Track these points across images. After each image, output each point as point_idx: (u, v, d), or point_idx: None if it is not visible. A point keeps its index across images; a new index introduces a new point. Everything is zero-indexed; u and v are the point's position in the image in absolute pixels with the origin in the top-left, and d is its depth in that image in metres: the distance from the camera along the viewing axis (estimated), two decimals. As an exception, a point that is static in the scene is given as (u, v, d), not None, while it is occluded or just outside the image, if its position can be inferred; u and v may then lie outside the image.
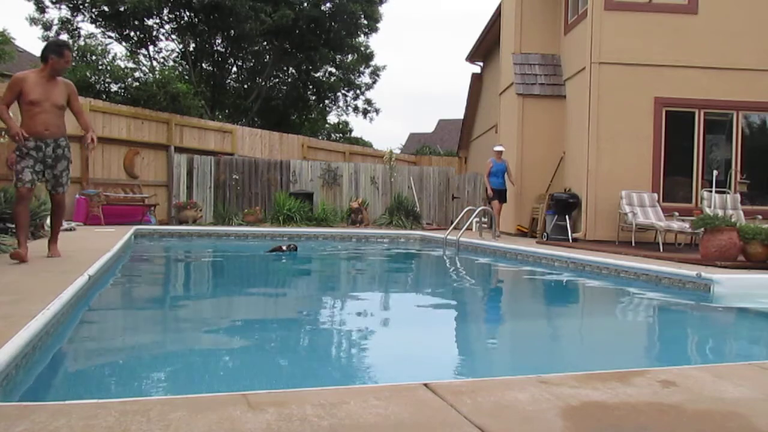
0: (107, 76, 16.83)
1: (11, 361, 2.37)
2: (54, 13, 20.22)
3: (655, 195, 10.49)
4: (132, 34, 21.65)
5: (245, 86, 25.83)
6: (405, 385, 2.21)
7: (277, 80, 26.03)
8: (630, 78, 10.73)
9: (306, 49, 23.37)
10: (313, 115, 28.12)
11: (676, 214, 9.98)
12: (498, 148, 12.14)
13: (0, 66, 19.82)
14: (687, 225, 9.31)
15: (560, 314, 5.88)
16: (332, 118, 30.32)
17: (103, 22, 20.42)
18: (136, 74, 18.06)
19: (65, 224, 10.73)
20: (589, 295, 6.85)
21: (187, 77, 21.99)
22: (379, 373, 3.35)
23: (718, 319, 5.39)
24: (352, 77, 26.35)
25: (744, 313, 5.52)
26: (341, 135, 30.85)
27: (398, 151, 29.61)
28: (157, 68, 20.70)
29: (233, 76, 25.97)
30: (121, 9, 19.25)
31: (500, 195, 11.99)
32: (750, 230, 6.98)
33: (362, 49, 25.55)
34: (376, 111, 27.69)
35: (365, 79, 26.76)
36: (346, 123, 31.37)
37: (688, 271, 6.04)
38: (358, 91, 26.95)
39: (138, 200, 14.29)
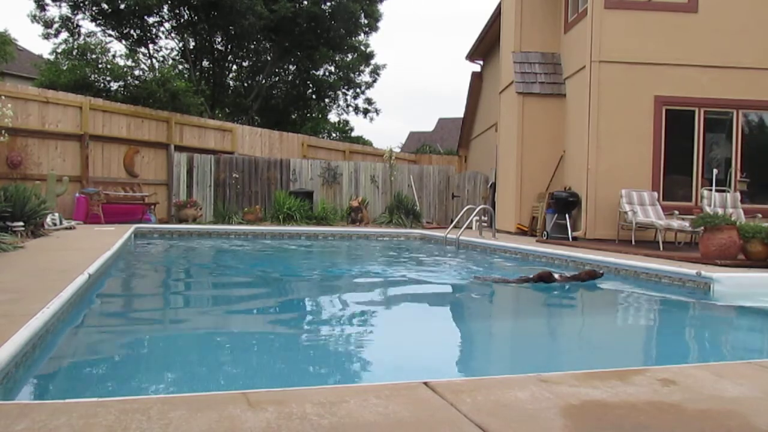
0: (107, 74, 16.82)
1: (11, 360, 2.37)
2: (54, 11, 20.22)
3: (655, 194, 10.48)
4: (132, 32, 21.61)
5: (245, 85, 25.79)
6: (405, 383, 2.21)
7: (277, 79, 25.99)
8: (630, 76, 10.72)
9: (306, 47, 23.33)
10: (313, 114, 28.08)
11: (676, 212, 9.97)
12: None
13: (1, 66, 19.83)
14: (687, 224, 9.30)
15: (560, 313, 5.88)
16: (332, 117, 30.35)
17: (103, 20, 20.39)
18: (136, 72, 18.04)
19: (65, 222, 10.74)
20: (589, 294, 6.83)
21: (187, 75, 21.95)
22: (379, 371, 3.35)
23: (718, 318, 5.39)
24: (352, 76, 26.31)
25: (744, 312, 5.52)
26: (342, 134, 30.81)
27: (398, 150, 29.58)
28: (157, 66, 20.65)
29: (233, 74, 25.94)
30: (121, 7, 19.22)
31: None
32: (750, 229, 6.97)
33: (362, 48, 25.51)
34: (376, 111, 27.68)
35: (365, 77, 26.75)
36: (347, 122, 31.39)
37: (688, 269, 6.04)
38: (358, 90, 26.94)
39: (138, 199, 14.28)
